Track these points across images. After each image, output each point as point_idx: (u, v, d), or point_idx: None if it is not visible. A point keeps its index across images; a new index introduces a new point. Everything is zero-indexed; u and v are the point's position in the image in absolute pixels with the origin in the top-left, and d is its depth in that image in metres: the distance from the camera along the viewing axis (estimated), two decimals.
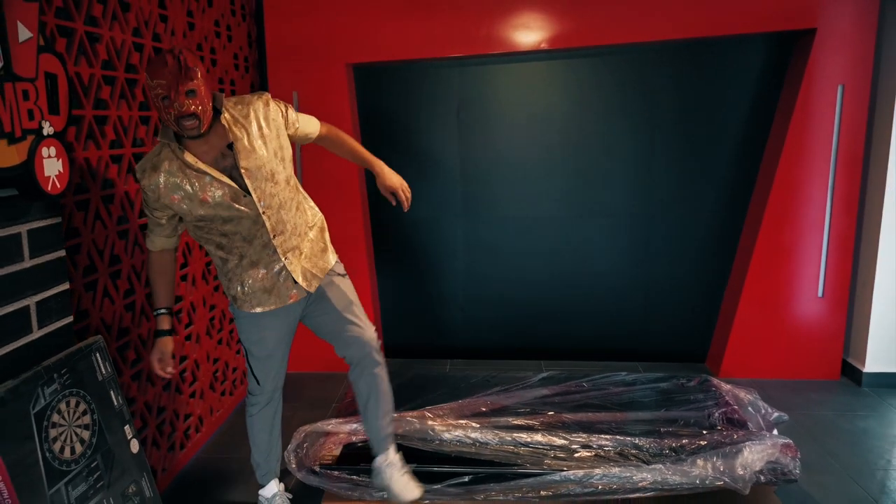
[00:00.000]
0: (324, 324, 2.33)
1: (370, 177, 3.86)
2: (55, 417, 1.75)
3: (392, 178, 2.34)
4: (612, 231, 3.94)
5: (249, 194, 2.01)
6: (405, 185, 2.37)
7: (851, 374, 3.76)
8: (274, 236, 2.09)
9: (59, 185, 1.76)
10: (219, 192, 1.98)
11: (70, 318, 1.94)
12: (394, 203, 2.38)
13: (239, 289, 2.17)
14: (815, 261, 3.68)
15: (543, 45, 3.62)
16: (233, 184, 1.99)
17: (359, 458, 2.59)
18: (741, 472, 2.41)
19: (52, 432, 1.73)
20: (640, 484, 2.42)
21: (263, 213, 2.04)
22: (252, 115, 2.06)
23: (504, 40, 3.61)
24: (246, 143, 2.02)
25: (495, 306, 4.13)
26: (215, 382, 3.17)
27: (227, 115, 2.02)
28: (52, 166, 1.73)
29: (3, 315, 1.66)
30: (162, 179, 1.98)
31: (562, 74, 3.87)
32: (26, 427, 1.65)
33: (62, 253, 1.90)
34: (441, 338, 4.20)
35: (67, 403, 1.80)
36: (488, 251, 4.06)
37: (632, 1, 3.52)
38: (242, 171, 2.00)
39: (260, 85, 3.77)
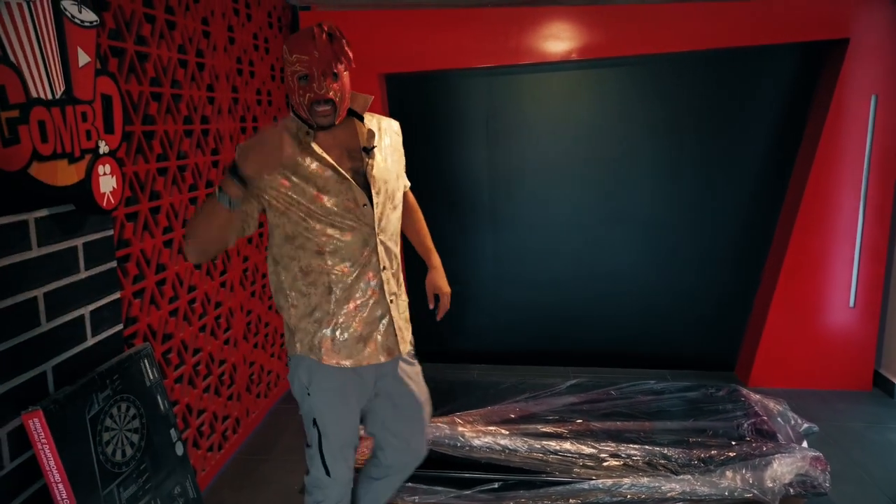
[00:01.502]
0: (387, 416, 1.97)
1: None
2: (108, 422, 1.84)
3: (444, 281, 2.15)
4: (640, 239, 3.96)
5: (370, 204, 1.78)
6: (450, 294, 2.17)
7: (883, 385, 3.73)
8: (383, 268, 1.81)
9: (113, 201, 1.85)
10: (337, 191, 1.74)
11: (120, 326, 2.03)
12: (431, 306, 2.17)
13: (328, 332, 1.80)
14: (847, 271, 3.66)
15: (573, 56, 3.65)
16: (356, 185, 1.76)
17: None
18: (770, 485, 2.42)
19: (105, 436, 1.82)
20: (669, 494, 2.45)
21: (378, 233, 1.79)
22: (385, 130, 1.92)
23: (533, 51, 3.65)
24: (380, 152, 1.85)
25: (523, 312, 4.17)
26: (251, 385, 3.27)
27: (368, 119, 1.87)
28: (107, 183, 1.82)
29: (62, 324, 1.75)
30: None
31: (591, 84, 3.90)
32: (82, 431, 1.74)
33: (114, 264, 1.99)
34: (469, 342, 4.25)
35: (119, 408, 1.89)
36: (516, 257, 4.10)
37: (662, 12, 3.54)
38: (371, 178, 1.79)
39: None
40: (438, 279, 2.15)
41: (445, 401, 3.11)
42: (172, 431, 2.11)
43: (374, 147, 1.82)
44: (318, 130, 1.77)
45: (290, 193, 1.74)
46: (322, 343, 1.81)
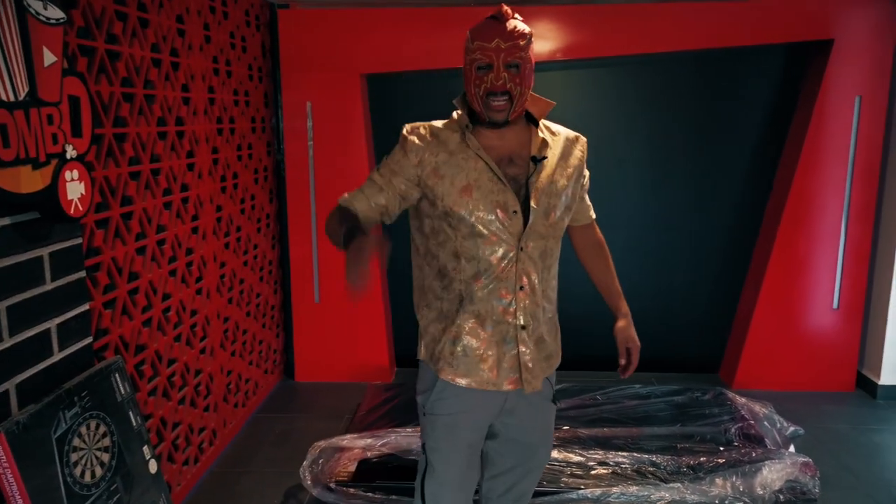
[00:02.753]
0: (504, 449, 1.79)
1: None
2: (76, 441, 1.74)
3: (634, 332, 1.89)
4: (626, 241, 3.92)
5: (522, 213, 1.61)
6: (639, 348, 1.88)
7: (866, 386, 3.73)
8: (520, 287, 1.64)
9: (81, 208, 1.75)
10: (488, 190, 1.60)
11: (90, 339, 1.93)
12: (623, 361, 1.89)
13: (449, 343, 1.66)
14: (831, 272, 3.65)
15: (559, 56, 3.60)
16: (510, 191, 1.61)
17: (374, 474, 2.59)
18: (760, 492, 2.40)
19: (73, 456, 1.72)
20: (659, 503, 2.41)
21: (523, 247, 1.62)
22: (562, 140, 1.75)
23: None
24: (551, 164, 1.68)
25: None
26: (229, 395, 3.17)
27: (544, 126, 1.74)
28: (74, 189, 1.72)
29: (26, 339, 1.66)
30: (433, 147, 1.64)
31: (578, 84, 3.85)
32: (48, 452, 1.65)
33: (83, 273, 1.89)
34: None
35: (88, 426, 1.80)
36: None
37: (649, 12, 3.51)
38: (532, 186, 1.62)
39: (274, 94, 3.76)
40: (629, 329, 1.88)
41: None
42: (145, 448, 2.02)
43: (544, 158, 1.66)
44: (488, 127, 1.65)
45: (437, 185, 1.61)
46: (441, 353, 1.67)
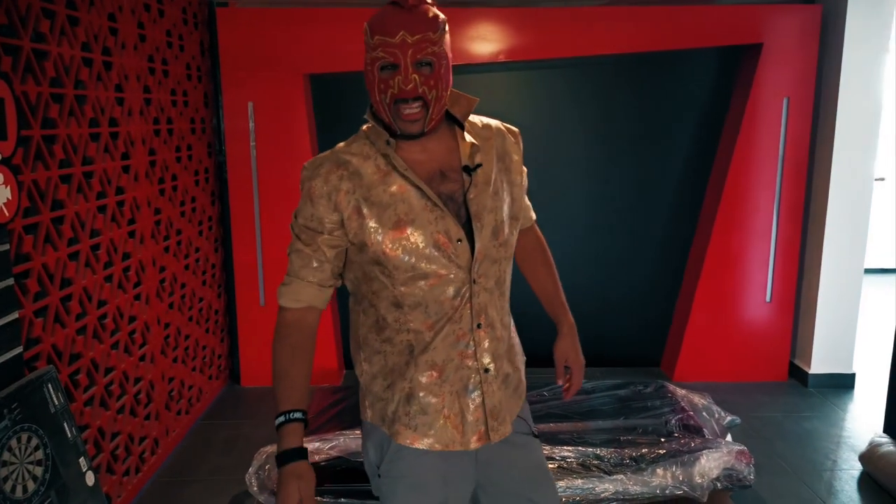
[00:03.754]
0: None
1: None
2: (6, 455, 1.68)
3: (578, 348, 1.67)
4: (568, 240, 3.99)
5: (468, 240, 1.36)
6: (583, 366, 1.66)
7: (798, 375, 3.91)
8: (477, 325, 1.39)
9: (7, 214, 1.69)
10: (425, 221, 1.34)
11: (20, 349, 1.86)
12: (560, 381, 1.65)
13: (399, 403, 1.41)
14: (763, 267, 3.81)
15: (501, 57, 3.65)
16: (450, 216, 1.35)
17: (322, 478, 2.56)
18: (699, 481, 2.48)
19: (3, 471, 1.66)
20: (603, 495, 2.47)
21: (475, 279, 1.37)
22: (494, 140, 1.50)
23: (462, 52, 3.62)
24: (487, 171, 1.43)
25: None
26: (171, 402, 3.10)
27: (469, 125, 1.47)
28: (0, 194, 1.66)
29: None
30: (346, 184, 1.35)
31: (520, 86, 3.90)
32: None
33: (10, 281, 1.82)
34: None
35: (19, 440, 1.73)
36: None
37: (587, 16, 3.58)
38: (470, 205, 1.37)
39: (214, 94, 3.68)
40: (571, 346, 1.65)
41: None
42: (82, 460, 1.95)
43: (478, 165, 1.40)
44: (403, 139, 1.37)
45: (362, 230, 1.34)
46: (396, 416, 1.41)
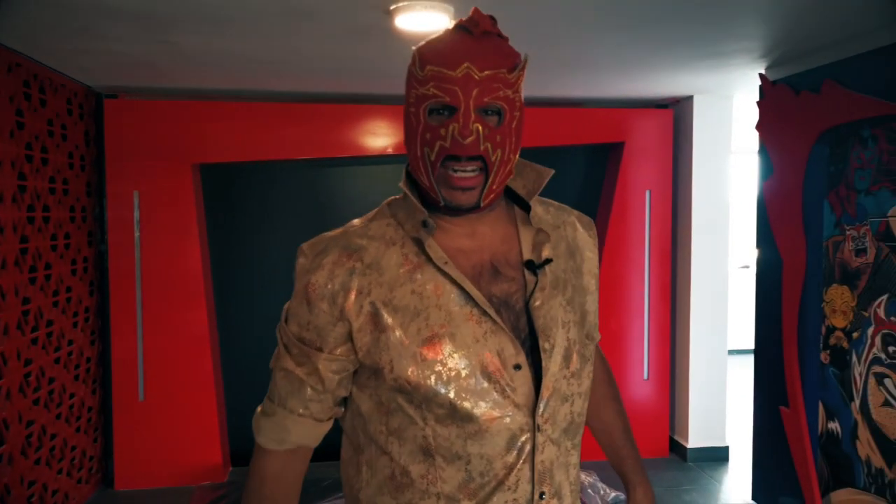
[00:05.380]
0: None
1: (218, 268, 3.81)
2: None
3: None
4: None
5: (530, 367, 0.98)
6: None
7: (678, 450, 4.09)
8: (540, 496, 0.98)
9: None
10: (469, 337, 0.96)
11: None
12: None
13: None
14: (640, 347, 4.04)
15: (390, 150, 3.84)
16: (506, 330, 0.97)
17: None
18: None
19: None
20: None
21: (540, 426, 0.97)
22: (565, 230, 1.14)
23: (353, 145, 3.79)
24: (556, 270, 1.06)
25: None
26: (28, 448, 2.85)
27: (538, 208, 1.11)
28: None
29: None
30: (358, 280, 0.99)
31: None
32: None
33: None
34: None
35: None
36: None
37: None
38: (536, 316, 0.99)
39: (98, 183, 3.63)
40: None
41: None
42: None
43: (546, 261, 1.03)
44: (446, 214, 1.01)
45: (381, 342, 0.97)
46: None
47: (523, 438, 0.97)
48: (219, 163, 3.74)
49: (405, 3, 2.04)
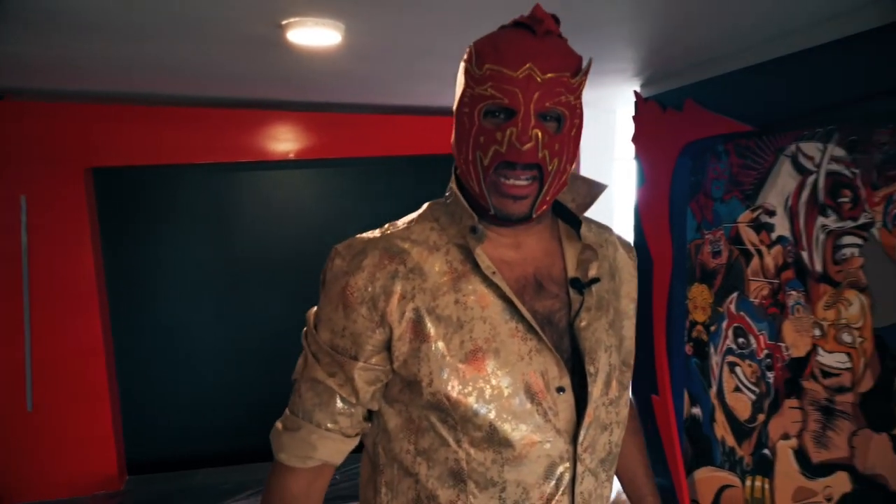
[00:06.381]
0: None
1: (114, 274, 3.73)
2: None
3: None
4: None
5: (573, 390, 0.94)
6: None
7: None
8: None
9: None
10: (513, 354, 0.91)
11: None
12: None
13: None
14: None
15: (291, 156, 3.89)
16: (550, 349, 0.93)
17: None
18: None
19: None
20: None
21: (580, 455, 0.93)
22: (607, 250, 1.10)
23: (254, 150, 3.81)
24: (602, 292, 1.03)
25: (255, 409, 4.10)
26: None
27: (588, 227, 1.08)
28: None
29: None
30: (401, 284, 0.94)
31: (309, 182, 4.16)
32: None
33: None
34: (192, 447, 4.03)
35: None
36: (242, 356, 4.06)
37: (370, 122, 3.98)
38: (581, 337, 0.96)
39: None
40: None
41: None
42: None
43: (594, 280, 0.99)
44: (493, 224, 0.98)
45: (423, 352, 0.91)
46: None
47: (562, 468, 0.91)
48: (115, 167, 3.67)
49: (296, 20, 2.13)
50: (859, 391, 2.09)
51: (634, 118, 3.22)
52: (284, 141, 3.88)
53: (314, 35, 2.21)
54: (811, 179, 2.26)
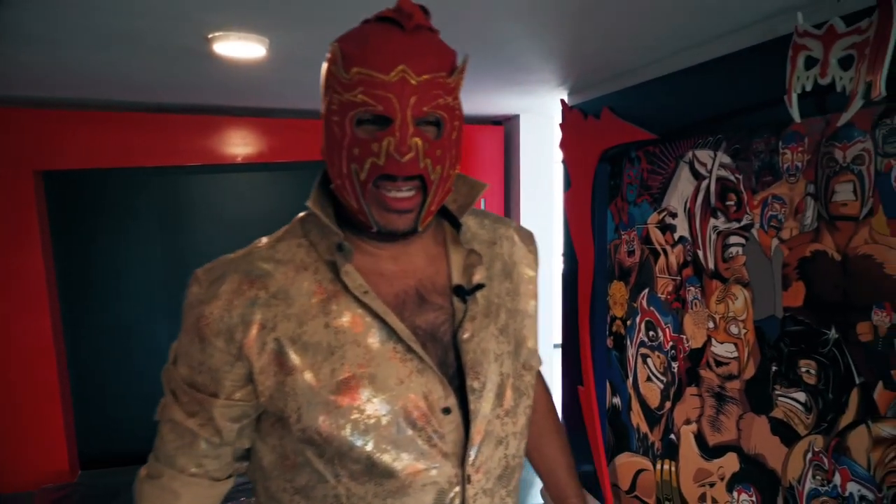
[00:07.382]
0: None
1: (66, 276, 3.81)
2: None
3: None
4: None
5: (459, 410, 0.88)
6: None
7: None
8: None
9: None
10: (391, 379, 0.85)
11: None
12: None
13: None
14: None
15: (239, 160, 4.00)
16: (434, 369, 0.86)
17: None
18: None
19: None
20: None
21: (470, 476, 0.87)
22: (501, 247, 1.02)
23: (204, 154, 3.92)
24: (490, 296, 0.95)
25: None
26: None
27: (471, 221, 1.00)
28: None
29: None
30: (262, 313, 0.87)
31: (258, 185, 4.28)
32: None
33: None
34: (144, 442, 4.12)
35: None
36: None
37: (305, 128, 4.10)
38: (465, 351, 0.89)
39: None
40: None
41: None
42: None
43: (478, 287, 0.92)
44: (371, 239, 0.91)
45: (287, 386, 0.84)
46: None
47: (453, 493, 0.84)
48: (66, 170, 3.76)
49: (221, 34, 2.26)
50: (744, 378, 2.28)
51: (561, 125, 3.39)
52: (232, 145, 3.99)
53: (239, 48, 2.34)
54: (705, 184, 2.45)
